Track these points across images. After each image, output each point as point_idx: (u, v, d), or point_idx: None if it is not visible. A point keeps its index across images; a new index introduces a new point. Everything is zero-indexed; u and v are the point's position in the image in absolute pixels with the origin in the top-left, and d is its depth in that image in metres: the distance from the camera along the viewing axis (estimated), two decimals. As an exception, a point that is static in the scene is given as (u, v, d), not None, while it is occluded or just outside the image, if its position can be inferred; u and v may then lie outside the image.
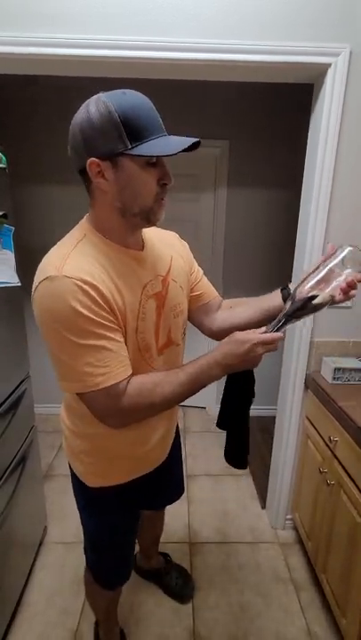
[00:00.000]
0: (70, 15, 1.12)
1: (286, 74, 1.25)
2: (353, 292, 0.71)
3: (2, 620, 1.23)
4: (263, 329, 0.70)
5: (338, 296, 0.70)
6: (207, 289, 0.97)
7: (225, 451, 0.95)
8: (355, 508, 1.11)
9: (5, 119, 2.17)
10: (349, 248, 0.73)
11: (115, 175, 0.65)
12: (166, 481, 1.05)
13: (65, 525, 1.69)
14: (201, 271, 0.97)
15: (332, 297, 0.70)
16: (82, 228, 0.73)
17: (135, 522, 1.03)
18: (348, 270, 0.71)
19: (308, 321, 1.42)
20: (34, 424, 1.50)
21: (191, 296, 0.92)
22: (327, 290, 0.69)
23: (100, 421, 0.72)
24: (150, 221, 0.71)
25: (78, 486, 0.92)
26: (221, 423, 0.91)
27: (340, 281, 0.70)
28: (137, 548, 1.38)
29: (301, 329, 1.44)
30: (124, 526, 0.98)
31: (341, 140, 1.25)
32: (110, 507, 0.92)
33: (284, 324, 0.70)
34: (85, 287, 0.63)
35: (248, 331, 0.70)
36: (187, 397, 0.72)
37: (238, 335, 0.69)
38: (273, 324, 0.70)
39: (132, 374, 0.71)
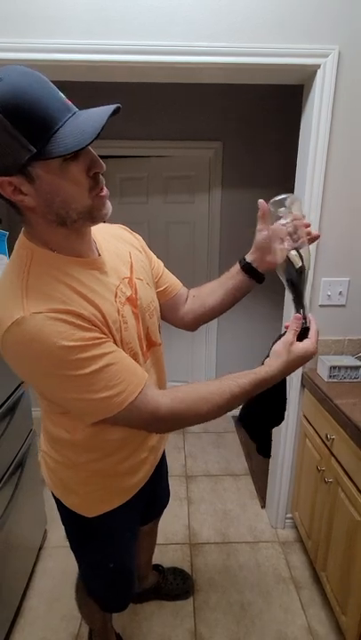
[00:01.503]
0: (66, 20, 1.13)
1: (277, 75, 1.26)
2: (315, 232, 0.77)
3: (3, 624, 1.23)
4: (295, 321, 0.71)
5: (302, 243, 0.73)
6: (172, 281, 0.91)
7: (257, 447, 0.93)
8: (352, 506, 1.11)
9: None
10: (281, 197, 0.74)
11: (34, 188, 0.54)
12: (158, 485, 1.03)
13: (65, 529, 1.69)
14: (161, 263, 0.91)
15: (297, 249, 0.73)
16: (25, 249, 0.61)
17: (136, 537, 0.98)
18: (288, 220, 0.73)
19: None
20: (32, 427, 1.49)
21: (157, 292, 0.86)
22: (292, 246, 0.72)
23: (148, 432, 0.69)
24: (96, 220, 0.61)
25: (74, 521, 0.84)
26: (246, 421, 0.85)
27: (285, 231, 0.73)
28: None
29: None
30: (129, 545, 0.93)
31: (332, 140, 1.27)
32: (114, 531, 0.86)
33: (302, 303, 0.73)
34: (61, 316, 0.56)
35: (287, 339, 0.69)
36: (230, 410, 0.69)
37: (297, 350, 0.69)
38: (297, 309, 0.73)
39: None
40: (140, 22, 1.14)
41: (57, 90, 0.53)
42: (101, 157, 0.61)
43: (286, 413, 1.53)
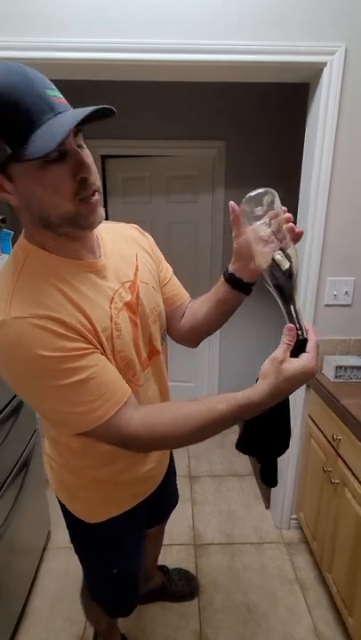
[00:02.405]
0: (68, 19, 1.12)
1: (282, 73, 1.25)
2: (298, 229, 0.64)
3: (7, 626, 1.22)
4: (287, 334, 0.58)
5: (287, 242, 0.63)
6: (179, 290, 0.87)
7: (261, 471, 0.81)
8: (360, 507, 1.10)
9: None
10: (255, 193, 0.64)
11: (13, 187, 0.53)
12: (166, 490, 1.01)
13: (69, 530, 1.68)
14: (170, 269, 0.87)
15: (283, 249, 0.62)
16: (21, 249, 0.60)
17: (143, 541, 0.96)
18: (267, 219, 0.63)
19: (307, 319, 1.42)
20: (36, 428, 1.49)
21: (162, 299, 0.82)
22: (277, 247, 0.62)
23: (125, 449, 0.64)
24: (82, 227, 0.58)
25: (78, 527, 0.83)
26: (245, 447, 0.73)
27: (266, 230, 0.63)
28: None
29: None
30: (136, 550, 0.91)
31: (338, 138, 1.26)
32: (117, 537, 0.84)
33: (293, 311, 0.61)
34: (43, 323, 0.54)
35: (276, 356, 0.57)
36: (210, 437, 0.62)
37: (291, 369, 0.55)
38: (290, 319, 0.60)
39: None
40: (139, 21, 1.13)
41: (45, 88, 0.50)
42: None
43: (291, 413, 1.53)
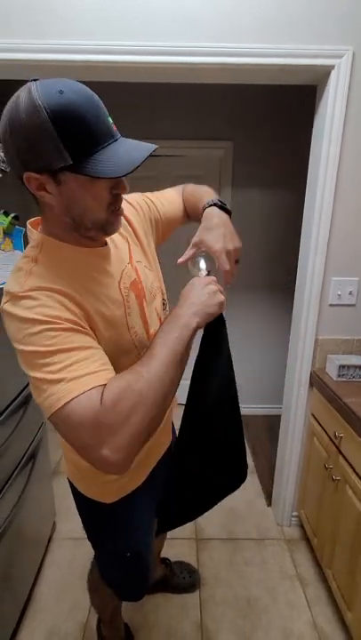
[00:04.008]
0: (70, 20, 1.14)
1: (289, 76, 1.27)
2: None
3: (13, 614, 1.26)
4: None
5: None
6: (173, 210, 0.95)
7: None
8: (360, 503, 1.12)
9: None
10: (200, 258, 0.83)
11: (58, 190, 0.58)
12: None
13: (73, 521, 1.68)
14: (159, 201, 0.92)
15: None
16: (38, 239, 0.65)
17: (153, 527, 0.98)
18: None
19: (311, 319, 1.44)
20: (43, 421, 1.52)
21: (170, 225, 0.93)
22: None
23: (92, 464, 0.55)
24: (107, 233, 0.66)
25: (90, 509, 0.86)
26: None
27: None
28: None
29: (306, 327, 1.46)
30: (147, 534, 0.93)
31: (345, 140, 1.27)
32: (131, 518, 0.87)
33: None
34: (54, 295, 0.58)
35: None
36: (175, 373, 0.62)
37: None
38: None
39: None
40: (146, 23, 1.15)
41: (107, 114, 0.57)
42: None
43: (294, 412, 1.57)
